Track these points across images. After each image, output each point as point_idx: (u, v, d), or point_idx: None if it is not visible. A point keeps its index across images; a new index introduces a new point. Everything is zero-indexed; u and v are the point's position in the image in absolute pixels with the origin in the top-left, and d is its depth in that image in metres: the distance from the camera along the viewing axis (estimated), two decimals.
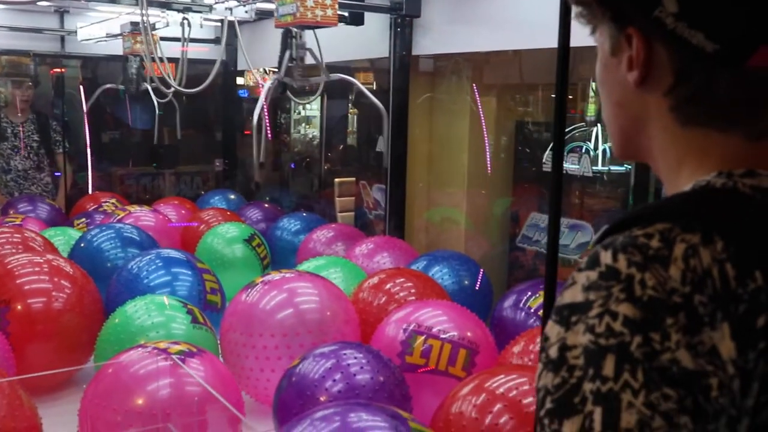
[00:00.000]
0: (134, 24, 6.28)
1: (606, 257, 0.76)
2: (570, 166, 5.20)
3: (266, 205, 6.74)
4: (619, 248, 0.76)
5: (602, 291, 0.74)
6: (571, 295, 0.77)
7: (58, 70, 8.22)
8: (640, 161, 0.97)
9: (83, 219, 5.76)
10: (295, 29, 4.53)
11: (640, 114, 0.89)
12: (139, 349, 2.90)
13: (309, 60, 4.81)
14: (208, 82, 5.42)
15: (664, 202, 0.83)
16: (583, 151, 5.20)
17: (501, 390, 2.57)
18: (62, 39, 7.52)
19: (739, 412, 0.70)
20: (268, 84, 4.73)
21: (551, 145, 5.46)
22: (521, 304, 3.94)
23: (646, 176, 5.01)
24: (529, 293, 3.98)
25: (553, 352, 0.75)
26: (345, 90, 8.72)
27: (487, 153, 5.11)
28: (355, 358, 2.91)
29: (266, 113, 5.04)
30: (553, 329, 0.77)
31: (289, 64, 4.67)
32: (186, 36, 5.39)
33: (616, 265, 0.75)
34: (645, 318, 0.71)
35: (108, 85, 7.06)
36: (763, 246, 0.75)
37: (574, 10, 0.94)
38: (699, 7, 0.79)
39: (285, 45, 4.69)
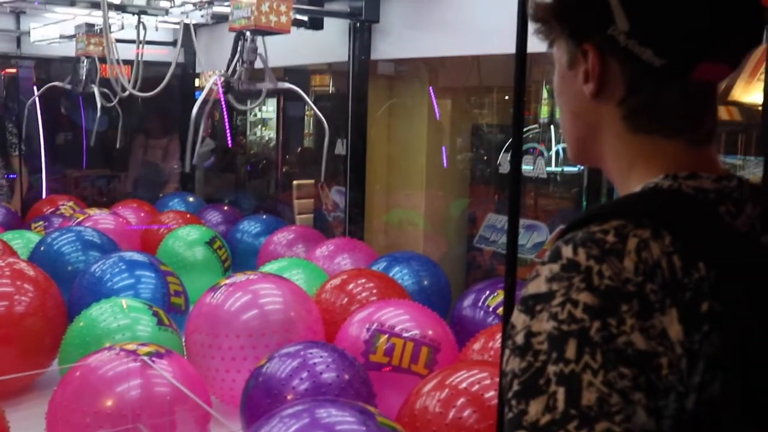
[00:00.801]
0: (89, 26, 6.25)
1: (567, 251, 0.83)
2: (524, 167, 5.32)
3: (225, 208, 6.76)
4: (578, 243, 0.83)
5: (564, 282, 0.81)
6: (536, 286, 0.83)
7: (11, 70, 8.12)
8: (594, 166, 1.05)
9: (41, 222, 5.73)
10: (248, 33, 4.57)
11: (595, 123, 0.97)
12: (107, 351, 2.92)
13: (260, 64, 4.86)
14: (163, 84, 5.42)
15: (618, 201, 0.91)
16: (537, 152, 5.32)
17: (463, 385, 2.66)
18: (18, 40, 7.44)
19: (686, 388, 0.78)
20: (210, 81, 4.73)
21: (506, 146, 5.59)
22: (480, 303, 4.04)
23: (599, 177, 5.15)
24: (488, 292, 4.08)
25: (520, 338, 0.81)
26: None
27: (444, 155, 5.21)
28: (321, 357, 2.98)
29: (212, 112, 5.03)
30: (519, 318, 0.83)
31: (237, 67, 4.70)
32: (141, 38, 5.39)
33: (576, 258, 0.82)
34: (603, 305, 0.78)
35: (55, 83, 7.00)
36: (706, 240, 0.83)
37: (533, 26, 1.02)
38: (648, 27, 0.88)
39: (235, 47, 4.72)
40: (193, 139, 4.64)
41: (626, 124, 0.94)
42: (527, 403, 0.77)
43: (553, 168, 5.31)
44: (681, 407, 0.78)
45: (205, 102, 4.63)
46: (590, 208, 0.93)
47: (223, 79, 4.70)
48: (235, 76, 4.65)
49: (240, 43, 4.64)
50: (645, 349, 0.76)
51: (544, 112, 5.40)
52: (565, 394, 0.75)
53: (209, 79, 4.71)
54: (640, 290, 0.79)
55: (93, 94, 6.28)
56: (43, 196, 7.38)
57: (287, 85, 4.89)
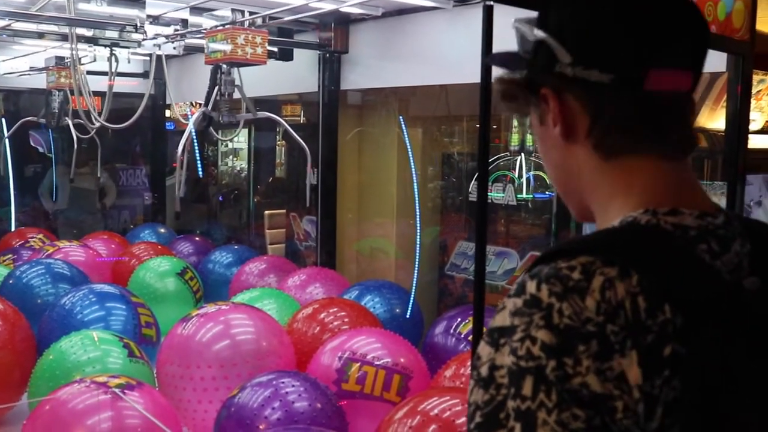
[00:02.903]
0: (59, 58, 6.25)
1: (531, 286, 0.81)
2: (495, 194, 5.37)
3: (197, 239, 6.74)
4: (542, 278, 0.81)
5: (525, 317, 0.79)
6: (501, 318, 0.82)
7: None
8: (592, 218, 1.00)
9: (9, 255, 5.68)
10: (224, 65, 4.62)
11: (574, 167, 0.96)
12: (77, 384, 2.91)
13: (236, 95, 4.90)
14: (136, 116, 5.43)
15: (591, 236, 0.89)
16: (508, 180, 5.38)
17: (435, 411, 2.68)
18: None
19: None
20: (194, 116, 4.78)
21: (476, 174, 5.65)
22: (452, 330, 4.07)
23: None
24: (459, 319, 4.11)
25: (484, 370, 0.81)
26: (273, 122, 8.79)
27: (415, 183, 5.25)
28: (293, 386, 2.98)
29: (192, 145, 5.06)
30: (484, 349, 0.82)
31: (217, 99, 4.75)
32: (113, 70, 5.40)
33: (539, 294, 0.80)
34: (560, 344, 0.77)
35: (28, 118, 6.98)
36: (675, 281, 0.81)
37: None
38: (587, 49, 0.90)
39: (214, 80, 4.76)
40: (180, 172, 4.66)
41: (598, 154, 0.93)
42: None
43: (523, 195, 5.37)
44: None
45: (187, 136, 4.67)
46: (562, 242, 0.89)
47: (201, 111, 4.75)
48: (215, 109, 4.70)
49: (218, 75, 4.68)
50: (600, 391, 0.75)
51: (514, 140, 5.47)
52: (522, 430, 0.75)
53: (193, 115, 4.75)
54: (600, 331, 0.77)
55: (67, 127, 6.29)
56: (12, 228, 7.32)
57: (266, 114, 4.92)
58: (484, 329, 3.92)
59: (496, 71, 1.04)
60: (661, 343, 0.77)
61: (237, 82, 4.71)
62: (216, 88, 4.76)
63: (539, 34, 0.92)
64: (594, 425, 0.74)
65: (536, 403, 0.75)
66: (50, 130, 7.29)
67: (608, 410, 0.75)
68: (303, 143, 4.74)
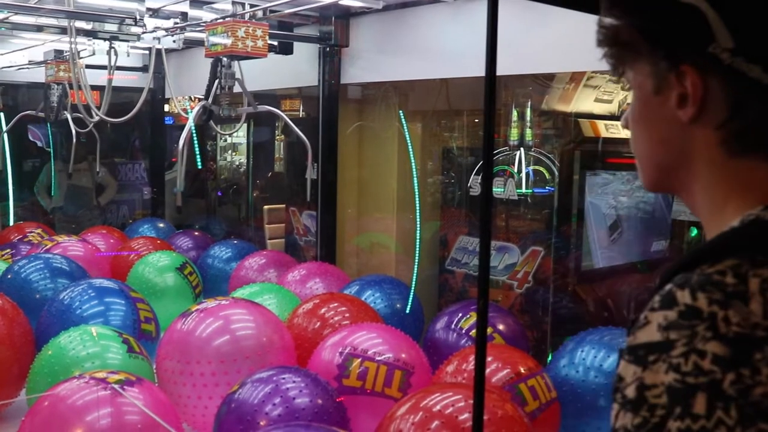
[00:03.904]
0: (58, 52, 6.22)
1: (684, 296, 0.76)
2: (495, 189, 5.35)
3: (196, 233, 6.72)
4: (696, 287, 0.76)
5: (685, 330, 0.74)
6: (647, 334, 0.77)
7: None
8: (672, 193, 0.98)
9: (8, 250, 5.65)
10: (225, 58, 4.58)
11: (685, 150, 0.90)
12: (76, 379, 2.88)
13: (237, 89, 4.87)
14: (135, 110, 5.40)
15: (726, 238, 0.84)
16: (507, 175, 5.36)
17: (437, 407, 2.66)
18: None
19: None
20: (195, 110, 4.75)
21: (476, 168, 5.62)
22: (453, 325, 4.05)
23: (569, 199, 5.21)
24: (460, 314, 4.09)
25: (630, 391, 0.76)
26: (272, 117, 8.76)
27: (415, 178, 5.23)
28: (294, 382, 2.96)
29: (192, 139, 5.03)
30: (628, 369, 0.77)
31: (217, 93, 4.72)
32: (112, 64, 5.37)
33: (697, 304, 0.75)
34: (734, 355, 0.72)
35: (27, 112, 6.95)
36: None
37: (603, 51, 0.94)
38: (756, 42, 0.82)
39: (214, 74, 4.73)
40: (181, 167, 4.63)
41: (723, 150, 0.87)
42: None
43: (523, 190, 5.35)
44: None
45: (188, 131, 4.64)
46: (698, 247, 0.83)
47: (203, 107, 4.71)
48: (216, 103, 4.67)
49: (218, 69, 4.65)
50: None
51: (513, 134, 5.44)
52: None
53: (194, 109, 4.72)
54: None
55: (66, 121, 6.25)
56: (11, 223, 7.29)
57: (267, 107, 4.89)
58: (490, 329, 3.88)
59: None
60: None
61: (237, 76, 4.67)
62: (216, 82, 4.73)
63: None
64: None
65: (713, 422, 0.70)
66: (48, 125, 7.24)
67: None
68: (304, 137, 4.70)
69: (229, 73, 4.69)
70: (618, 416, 0.76)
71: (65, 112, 6.34)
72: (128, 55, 5.63)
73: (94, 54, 5.55)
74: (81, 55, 5.51)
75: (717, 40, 0.82)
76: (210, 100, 4.74)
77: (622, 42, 0.91)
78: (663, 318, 0.77)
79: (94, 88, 5.92)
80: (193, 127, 7.12)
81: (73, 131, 6.24)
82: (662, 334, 0.76)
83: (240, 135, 9.47)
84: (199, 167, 8.15)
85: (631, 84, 0.95)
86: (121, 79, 6.66)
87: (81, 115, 5.73)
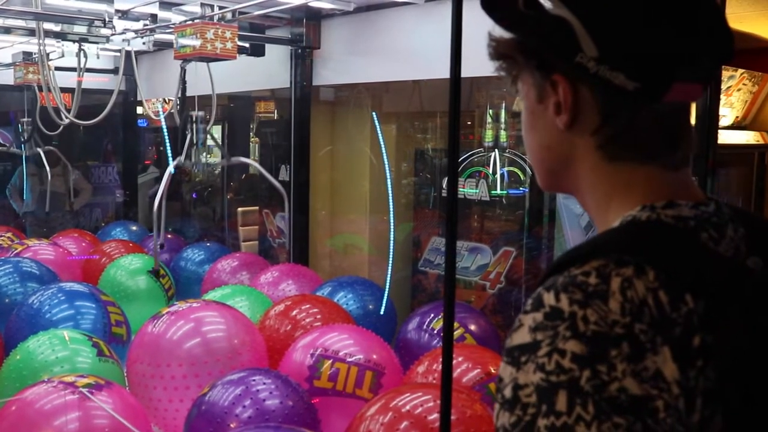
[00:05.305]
0: (27, 54, 6.16)
1: (549, 298, 0.79)
2: (468, 190, 5.37)
3: (169, 236, 6.68)
4: (560, 288, 0.79)
5: (549, 330, 0.77)
6: (520, 336, 0.79)
7: None
8: (566, 193, 1.00)
9: None
10: (186, 63, 4.57)
11: (568, 154, 0.93)
12: (44, 384, 2.86)
13: (206, 91, 4.85)
14: (105, 112, 5.37)
15: (596, 240, 0.86)
16: (482, 176, 5.38)
17: (407, 408, 2.67)
18: None
19: (686, 428, 0.75)
20: (169, 169, 4.72)
21: (447, 177, 5.64)
22: (425, 326, 4.07)
23: (541, 199, 5.24)
24: (432, 315, 4.11)
25: (508, 392, 0.78)
26: (247, 119, 8.74)
27: (388, 179, 5.24)
28: (264, 383, 2.96)
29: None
30: (506, 370, 0.79)
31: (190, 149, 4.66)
32: (82, 66, 5.34)
33: (559, 305, 0.78)
34: (591, 352, 0.74)
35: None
36: (690, 271, 0.80)
37: (495, 64, 0.97)
38: (618, 50, 0.84)
39: (183, 80, 4.73)
40: (157, 223, 4.62)
41: (601, 154, 0.91)
42: None
43: (497, 191, 5.37)
44: None
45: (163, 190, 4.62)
46: (569, 251, 0.85)
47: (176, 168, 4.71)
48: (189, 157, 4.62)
49: (184, 74, 4.65)
50: (639, 393, 0.73)
51: (488, 136, 5.47)
52: None
53: (166, 171, 4.67)
54: (629, 332, 0.75)
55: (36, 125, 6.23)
56: None
57: (239, 159, 4.83)
58: (461, 329, 3.89)
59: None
60: (689, 335, 0.76)
61: (204, 78, 4.66)
62: (184, 89, 4.72)
63: (564, 11, 0.86)
64: (636, 431, 0.72)
65: (573, 418, 0.73)
66: (19, 126, 7.17)
67: (649, 412, 0.73)
68: (280, 187, 4.66)
69: (201, 128, 4.68)
70: (498, 415, 0.79)
71: (38, 149, 6.35)
72: (98, 57, 5.59)
73: (63, 56, 5.51)
74: (50, 57, 5.47)
75: (583, 50, 0.85)
76: (178, 105, 4.74)
77: (504, 55, 0.95)
78: (532, 320, 0.79)
79: (64, 90, 5.87)
80: (165, 128, 7.10)
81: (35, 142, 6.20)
82: (531, 335, 0.78)
83: (215, 137, 9.43)
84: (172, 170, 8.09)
85: (521, 94, 0.98)
86: (93, 81, 6.62)
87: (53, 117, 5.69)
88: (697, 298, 0.78)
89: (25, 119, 6.29)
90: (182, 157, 4.48)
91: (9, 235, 6.29)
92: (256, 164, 4.77)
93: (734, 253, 0.87)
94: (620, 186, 0.91)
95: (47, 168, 6.51)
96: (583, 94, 0.89)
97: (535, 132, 0.97)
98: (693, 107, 0.94)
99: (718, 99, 3.41)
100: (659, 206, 0.87)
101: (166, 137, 7.95)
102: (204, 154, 9.80)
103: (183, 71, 4.58)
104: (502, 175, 5.37)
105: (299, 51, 5.37)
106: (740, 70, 4.29)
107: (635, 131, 0.88)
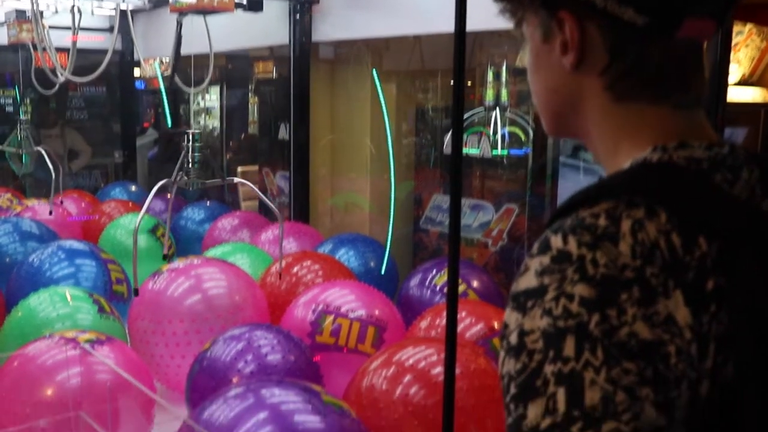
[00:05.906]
0: (19, 12, 6.07)
1: (556, 241, 0.77)
2: (470, 149, 5.33)
3: (168, 196, 6.64)
4: (567, 231, 0.77)
5: (556, 274, 0.75)
6: (526, 281, 0.77)
7: None
8: (573, 138, 0.98)
9: None
10: (183, 16, 4.48)
11: (575, 96, 0.91)
12: (46, 339, 2.85)
13: (203, 49, 4.77)
14: (100, 70, 5.29)
15: (606, 181, 0.84)
16: (483, 135, 5.33)
17: (410, 362, 2.66)
18: None
19: (699, 374, 0.73)
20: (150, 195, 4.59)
21: (451, 129, 5.59)
22: (427, 282, 4.05)
23: (544, 158, 5.20)
24: (434, 271, 4.09)
25: (513, 338, 0.76)
26: (245, 79, 8.67)
27: (389, 138, 5.18)
28: (266, 339, 2.95)
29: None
30: (511, 316, 0.77)
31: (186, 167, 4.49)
32: (76, 25, 5.25)
33: (567, 248, 0.76)
34: (600, 296, 0.72)
35: None
36: (703, 213, 0.78)
37: (499, 5, 0.95)
38: None
39: (178, 37, 4.64)
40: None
41: (610, 94, 0.88)
42: (525, 406, 0.72)
43: (499, 151, 5.33)
44: (695, 395, 0.74)
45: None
46: (577, 192, 0.83)
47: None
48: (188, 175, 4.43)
49: (180, 29, 4.56)
50: (650, 338, 0.71)
51: (489, 95, 5.41)
52: (566, 394, 0.70)
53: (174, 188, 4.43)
54: (640, 275, 0.73)
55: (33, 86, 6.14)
56: None
57: (233, 179, 4.73)
58: (464, 285, 3.87)
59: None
60: (702, 278, 0.74)
61: (201, 33, 4.58)
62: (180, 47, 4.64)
63: None
64: (646, 377, 0.70)
65: (581, 363, 0.70)
66: (15, 87, 7.10)
67: (661, 357, 0.71)
68: (275, 208, 4.57)
69: (196, 147, 4.57)
70: (503, 363, 0.77)
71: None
72: (93, 14, 5.50)
73: (57, 12, 5.43)
74: (44, 15, 5.38)
75: None
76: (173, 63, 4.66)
77: None
78: (539, 263, 0.77)
79: (60, 50, 5.79)
80: (163, 89, 7.04)
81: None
82: (538, 280, 0.76)
83: (213, 98, 9.38)
84: (170, 127, 8.05)
85: (526, 36, 0.95)
86: (88, 40, 6.52)
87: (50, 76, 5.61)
88: (710, 241, 0.75)
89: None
90: (175, 175, 4.24)
91: (8, 196, 6.26)
92: (249, 183, 4.65)
93: (749, 195, 0.84)
94: (630, 127, 0.88)
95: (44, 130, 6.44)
96: (591, 32, 0.86)
97: (540, 74, 0.95)
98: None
99: (728, 53, 3.33)
100: (671, 147, 0.84)
101: (165, 99, 7.90)
102: (203, 115, 9.77)
103: (179, 25, 4.50)
104: (503, 135, 5.32)
105: (298, 6, 5.29)
106: (749, 25, 4.21)
107: (645, 69, 0.85)
